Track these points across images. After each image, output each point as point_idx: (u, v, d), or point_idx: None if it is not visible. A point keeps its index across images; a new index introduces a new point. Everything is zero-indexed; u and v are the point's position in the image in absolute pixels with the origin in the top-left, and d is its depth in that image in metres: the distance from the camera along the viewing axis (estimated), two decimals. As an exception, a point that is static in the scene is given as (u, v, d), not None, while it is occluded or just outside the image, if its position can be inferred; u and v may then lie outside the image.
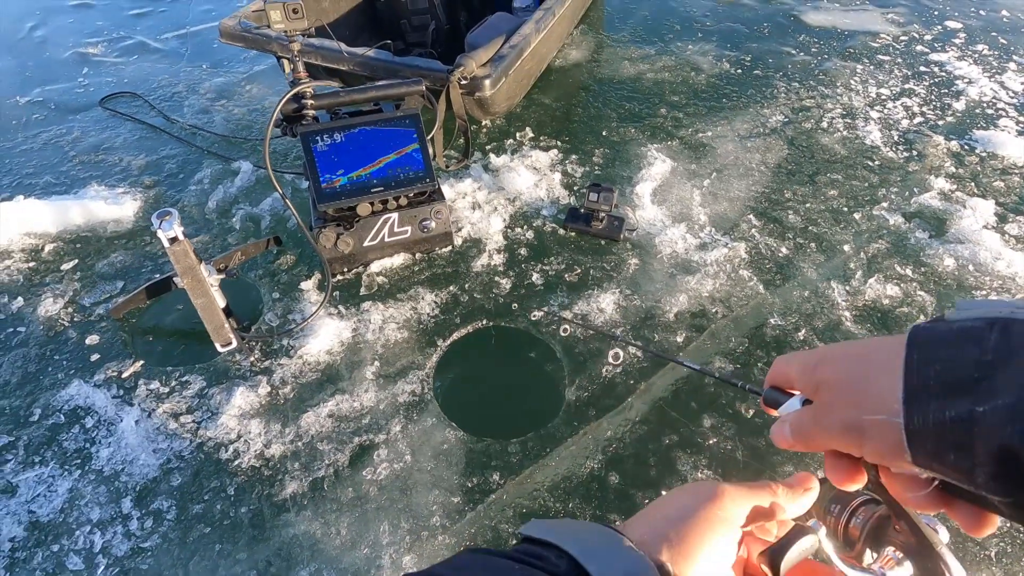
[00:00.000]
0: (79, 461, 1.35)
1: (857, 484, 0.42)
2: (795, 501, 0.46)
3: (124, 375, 1.53)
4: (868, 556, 0.51)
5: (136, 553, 1.20)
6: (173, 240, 1.40)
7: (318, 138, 1.58)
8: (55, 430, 1.41)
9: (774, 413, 0.49)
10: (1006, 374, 0.30)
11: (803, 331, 1.63)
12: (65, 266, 1.81)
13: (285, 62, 1.56)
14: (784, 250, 1.88)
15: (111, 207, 1.96)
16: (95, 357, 1.57)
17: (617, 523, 0.43)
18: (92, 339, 1.61)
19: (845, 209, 2.04)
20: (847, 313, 1.69)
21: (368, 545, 1.21)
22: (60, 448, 1.38)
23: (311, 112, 1.61)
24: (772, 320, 1.67)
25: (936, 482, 0.37)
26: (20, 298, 1.71)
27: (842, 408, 0.38)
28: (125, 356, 1.57)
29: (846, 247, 1.89)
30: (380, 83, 1.70)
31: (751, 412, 1.44)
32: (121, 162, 2.24)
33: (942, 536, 0.44)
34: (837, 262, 1.85)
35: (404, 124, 1.64)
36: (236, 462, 1.34)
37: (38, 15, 3.33)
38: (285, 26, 1.50)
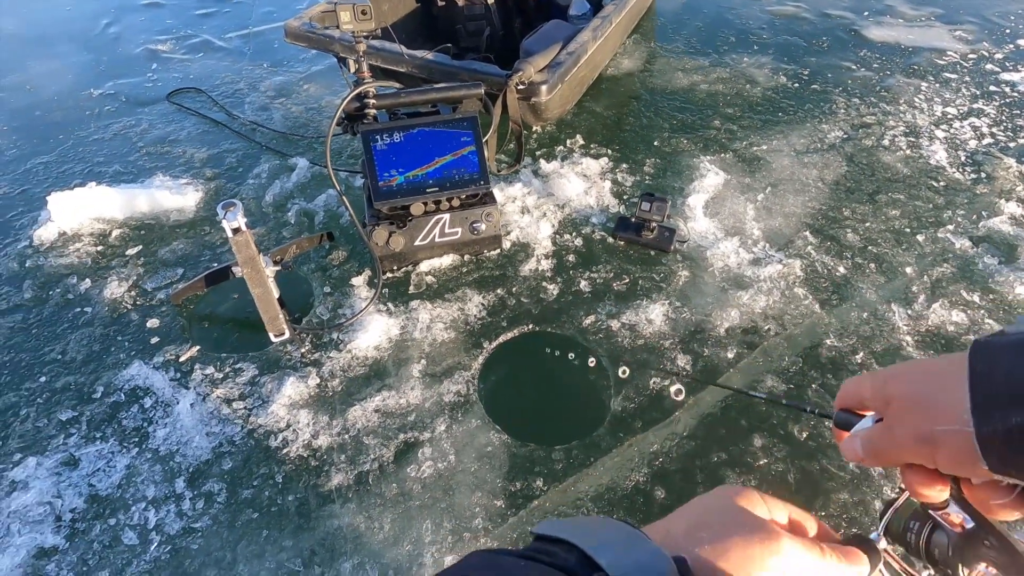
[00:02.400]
0: (137, 439, 1.40)
1: (938, 494, 0.43)
2: (839, 570, 0.42)
3: (181, 359, 1.58)
4: (961, 573, 0.49)
5: (187, 533, 1.24)
6: (236, 230, 1.44)
7: (378, 137, 1.61)
8: (116, 408, 1.47)
9: (846, 436, 0.49)
10: None
11: (860, 354, 1.57)
12: (130, 251, 1.89)
13: (350, 62, 1.59)
14: (842, 269, 1.82)
15: (175, 197, 2.04)
16: (155, 340, 1.63)
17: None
18: (152, 322, 1.67)
19: (907, 230, 1.96)
20: (908, 338, 1.62)
21: (410, 542, 1.22)
22: (120, 426, 1.43)
23: (372, 112, 1.64)
24: (828, 341, 1.61)
25: (1019, 488, 0.38)
26: (88, 280, 1.79)
27: (913, 420, 0.39)
28: (183, 340, 1.63)
29: (908, 269, 1.82)
30: (440, 85, 1.72)
31: (804, 434, 1.40)
32: (185, 154, 2.33)
33: None
34: (898, 284, 1.78)
35: (462, 126, 1.65)
36: (284, 450, 1.37)
37: (112, 13, 3.50)
38: (353, 27, 1.54)
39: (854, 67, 2.89)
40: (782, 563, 0.38)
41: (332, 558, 1.19)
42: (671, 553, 0.35)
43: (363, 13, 1.52)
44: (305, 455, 1.36)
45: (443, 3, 2.77)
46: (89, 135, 2.45)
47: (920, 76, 2.81)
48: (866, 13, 3.41)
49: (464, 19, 2.77)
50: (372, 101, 1.62)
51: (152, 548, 1.21)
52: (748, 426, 1.42)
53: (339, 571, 1.17)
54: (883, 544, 0.51)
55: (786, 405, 0.65)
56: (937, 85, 2.75)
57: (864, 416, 0.47)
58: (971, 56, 2.98)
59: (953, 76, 2.81)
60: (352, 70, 1.61)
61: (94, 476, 1.33)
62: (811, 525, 0.46)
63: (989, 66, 2.88)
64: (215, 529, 1.24)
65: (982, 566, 0.46)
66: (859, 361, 1.56)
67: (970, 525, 0.48)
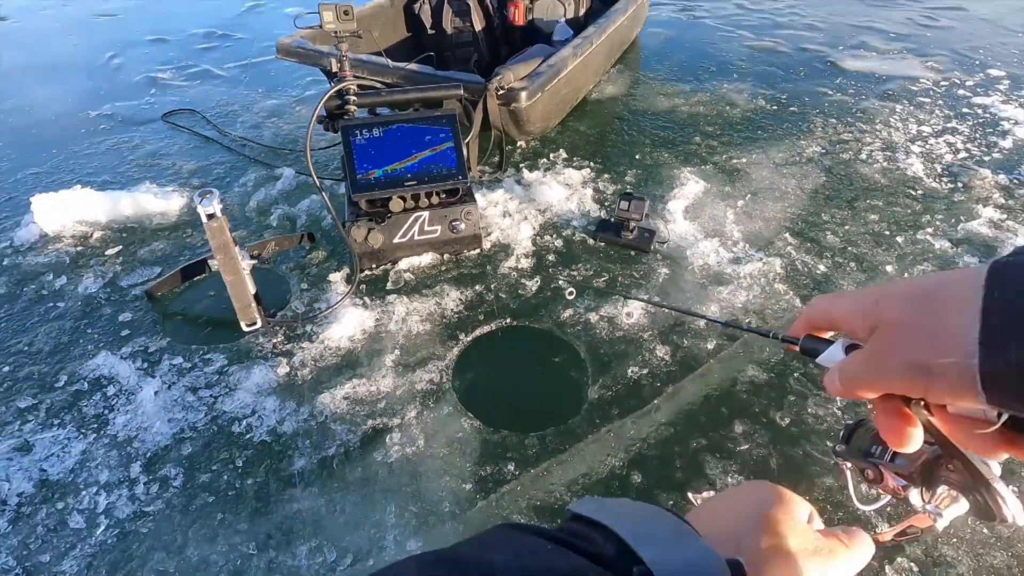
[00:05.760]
0: (96, 425, 1.35)
1: (912, 433, 0.39)
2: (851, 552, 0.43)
3: (150, 350, 1.54)
4: (917, 498, 0.49)
5: (138, 516, 1.17)
6: (211, 216, 1.45)
7: (357, 132, 1.64)
8: (78, 396, 1.42)
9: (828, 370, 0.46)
10: None
11: (843, 345, 1.54)
12: (109, 251, 1.89)
13: (332, 61, 1.64)
14: (822, 267, 1.81)
15: (159, 201, 2.06)
16: (125, 332, 1.60)
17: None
18: (125, 316, 1.65)
19: (887, 233, 1.97)
20: (891, 330, 1.59)
21: (372, 526, 1.15)
22: (80, 413, 1.38)
23: (353, 109, 1.68)
24: (809, 333, 1.58)
25: (1003, 420, 0.35)
26: (64, 277, 1.78)
27: (907, 349, 0.35)
28: (154, 333, 1.60)
29: (888, 268, 1.81)
30: (420, 85, 1.77)
31: (786, 420, 1.35)
32: (174, 166, 2.37)
33: (994, 470, 0.42)
34: (879, 281, 1.76)
35: (440, 123, 1.69)
36: (248, 436, 1.32)
37: (118, 47, 3.65)
38: (336, 26, 1.60)
39: (830, 92, 2.98)
40: (800, 520, 0.41)
41: (288, 541, 1.13)
42: (725, 556, 0.32)
43: (345, 13, 1.58)
44: (268, 440, 1.31)
45: (433, 31, 2.89)
46: (82, 150, 2.50)
47: (895, 100, 2.90)
48: (841, 47, 3.56)
49: (452, 46, 2.88)
50: (352, 98, 1.66)
51: (99, 532, 1.14)
52: (728, 413, 1.38)
53: (295, 554, 1.11)
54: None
55: (746, 330, 0.61)
56: (911, 108, 2.83)
57: (831, 342, 0.43)
58: (943, 83, 3.08)
59: (927, 100, 2.90)
60: (335, 68, 1.65)
61: (46, 461, 1.27)
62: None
63: (961, 92, 2.98)
64: (168, 513, 1.18)
65: (943, 489, 0.46)
66: (841, 352, 1.53)
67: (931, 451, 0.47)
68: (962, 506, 0.47)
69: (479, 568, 0.27)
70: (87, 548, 1.12)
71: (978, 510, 0.43)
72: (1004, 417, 0.35)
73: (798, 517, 0.42)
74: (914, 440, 0.39)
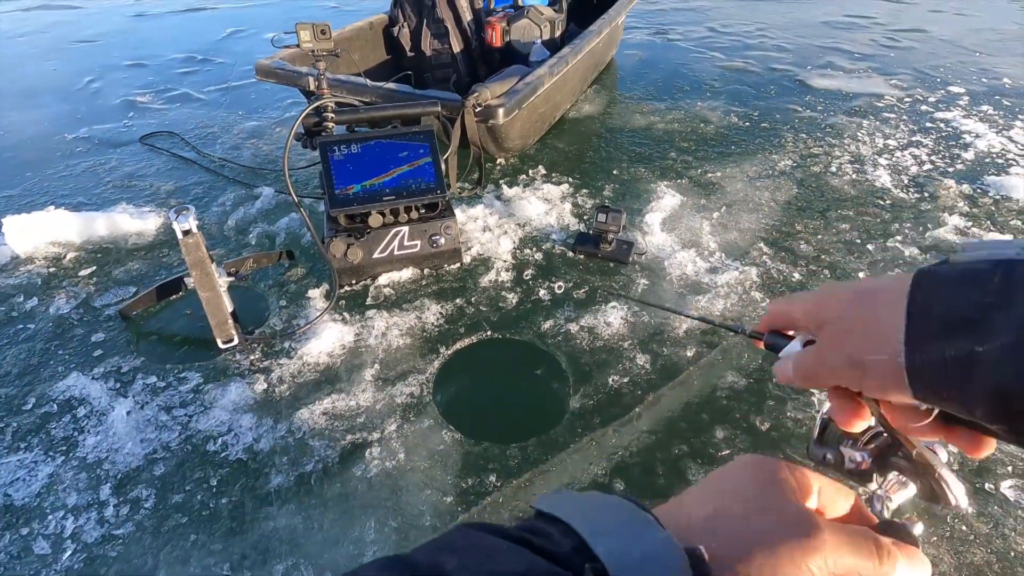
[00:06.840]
0: (64, 448, 1.31)
1: (861, 422, 0.43)
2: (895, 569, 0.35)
3: (123, 370, 1.51)
4: (875, 483, 0.53)
5: (107, 540, 1.13)
6: (187, 232, 1.43)
7: (335, 148, 1.65)
8: (46, 418, 1.38)
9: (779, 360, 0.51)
10: (1007, 315, 0.30)
11: (819, 350, 1.57)
12: (83, 272, 1.85)
13: (310, 80, 1.66)
14: (797, 275, 1.85)
15: (135, 221, 2.03)
16: (98, 353, 1.57)
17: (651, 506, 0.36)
18: (97, 337, 1.62)
19: (858, 241, 2.02)
20: (865, 334, 1.62)
21: (351, 542, 1.13)
22: (48, 435, 1.34)
23: (331, 126, 1.69)
24: (786, 339, 1.61)
25: (936, 413, 0.39)
26: (35, 298, 1.74)
27: (846, 345, 0.38)
28: (127, 352, 1.57)
29: (860, 274, 1.85)
30: (398, 103, 1.79)
31: (766, 424, 1.36)
32: (151, 187, 2.35)
33: (941, 457, 0.45)
34: (852, 288, 1.80)
35: (418, 139, 1.71)
36: (223, 454, 1.29)
37: (96, 72, 3.64)
38: (313, 45, 1.62)
39: (800, 109, 3.08)
40: (824, 565, 0.32)
41: (264, 560, 1.10)
42: (685, 544, 0.30)
43: (322, 32, 1.60)
44: (244, 458, 1.28)
45: (412, 53, 2.94)
46: (56, 172, 2.47)
47: (861, 115, 3.00)
48: (809, 67, 3.69)
49: (432, 67, 2.92)
50: (331, 115, 1.67)
51: (65, 557, 1.10)
52: (709, 419, 1.38)
53: (271, 574, 1.07)
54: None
55: (717, 326, 0.66)
56: (878, 123, 2.93)
57: (792, 338, 0.47)
58: (907, 99, 3.20)
59: (891, 116, 3.01)
60: (313, 88, 1.67)
61: (11, 486, 1.23)
62: (844, 503, 0.38)
63: (924, 107, 3.09)
64: (138, 536, 1.14)
65: (894, 474, 0.50)
66: (818, 356, 1.55)
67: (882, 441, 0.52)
68: (910, 491, 0.50)
69: (431, 571, 0.27)
70: (52, 574, 1.08)
71: (925, 494, 0.46)
72: (936, 410, 0.38)
73: (792, 503, 0.34)
74: (860, 425, 0.42)
